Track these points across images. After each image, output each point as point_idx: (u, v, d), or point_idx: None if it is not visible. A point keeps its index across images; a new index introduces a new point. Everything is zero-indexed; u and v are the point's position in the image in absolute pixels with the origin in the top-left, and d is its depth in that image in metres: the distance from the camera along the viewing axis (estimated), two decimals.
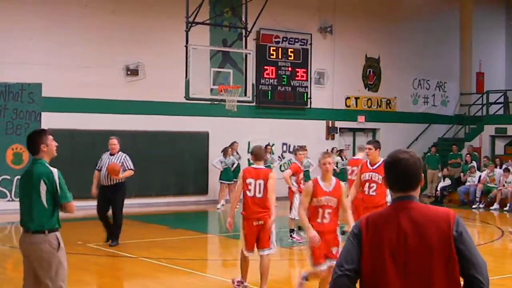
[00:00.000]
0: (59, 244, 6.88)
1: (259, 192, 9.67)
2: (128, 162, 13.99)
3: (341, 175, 22.91)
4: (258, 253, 9.77)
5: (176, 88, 20.72)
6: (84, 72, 21.08)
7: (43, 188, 6.76)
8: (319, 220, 8.70)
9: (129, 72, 21.93)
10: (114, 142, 14.00)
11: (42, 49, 20.54)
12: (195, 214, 21.62)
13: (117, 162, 13.76)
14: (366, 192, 10.73)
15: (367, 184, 10.74)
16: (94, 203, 14.18)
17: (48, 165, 6.90)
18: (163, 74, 22.09)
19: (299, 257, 13.62)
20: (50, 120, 20.03)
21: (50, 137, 7.04)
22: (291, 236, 14.91)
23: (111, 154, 13.95)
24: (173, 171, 22.62)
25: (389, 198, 10.27)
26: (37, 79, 20.25)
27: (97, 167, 14.07)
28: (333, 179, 8.87)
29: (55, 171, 6.85)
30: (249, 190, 9.71)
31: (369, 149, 10.87)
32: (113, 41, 21.62)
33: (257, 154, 9.98)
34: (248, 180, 9.73)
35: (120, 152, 13.99)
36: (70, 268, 11.71)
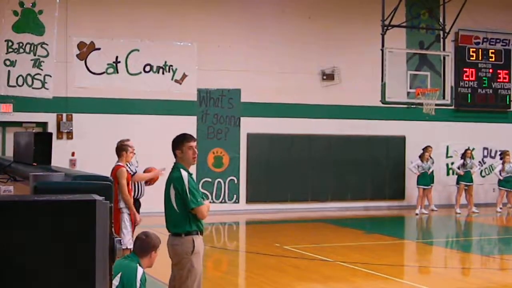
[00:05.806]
0: (193, 247, 7.09)
1: None
2: None
3: None
4: None
5: (372, 92, 20.57)
6: (281, 77, 21.46)
7: None
8: None
9: (324, 77, 22.05)
10: None
11: (240, 55, 21.12)
12: (391, 219, 21.34)
13: None
14: None
15: None
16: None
17: (182, 170, 7.20)
18: (359, 78, 22.01)
19: None
20: (248, 125, 20.65)
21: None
22: None
23: None
24: (369, 175, 22.49)
25: None
26: (236, 85, 20.91)
27: None
28: None
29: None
30: None
31: None
32: (309, 46, 21.84)
33: None
34: None
35: None
36: (268, 269, 11.96)
